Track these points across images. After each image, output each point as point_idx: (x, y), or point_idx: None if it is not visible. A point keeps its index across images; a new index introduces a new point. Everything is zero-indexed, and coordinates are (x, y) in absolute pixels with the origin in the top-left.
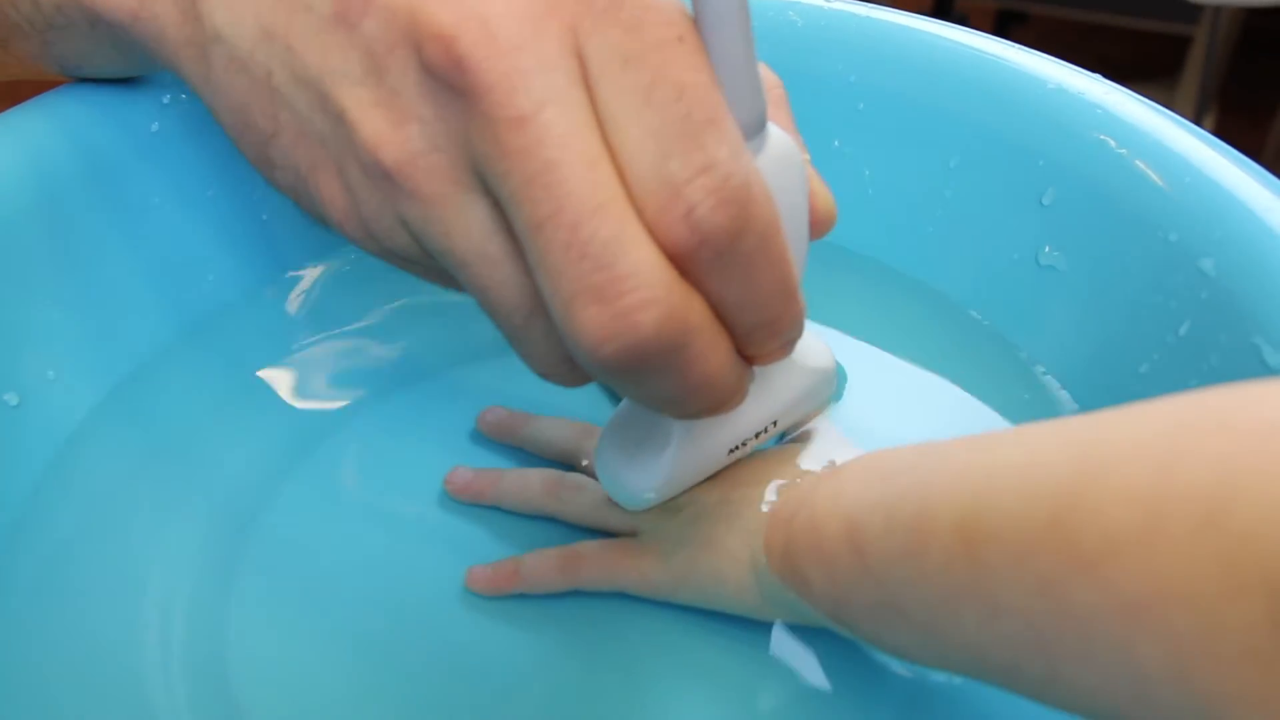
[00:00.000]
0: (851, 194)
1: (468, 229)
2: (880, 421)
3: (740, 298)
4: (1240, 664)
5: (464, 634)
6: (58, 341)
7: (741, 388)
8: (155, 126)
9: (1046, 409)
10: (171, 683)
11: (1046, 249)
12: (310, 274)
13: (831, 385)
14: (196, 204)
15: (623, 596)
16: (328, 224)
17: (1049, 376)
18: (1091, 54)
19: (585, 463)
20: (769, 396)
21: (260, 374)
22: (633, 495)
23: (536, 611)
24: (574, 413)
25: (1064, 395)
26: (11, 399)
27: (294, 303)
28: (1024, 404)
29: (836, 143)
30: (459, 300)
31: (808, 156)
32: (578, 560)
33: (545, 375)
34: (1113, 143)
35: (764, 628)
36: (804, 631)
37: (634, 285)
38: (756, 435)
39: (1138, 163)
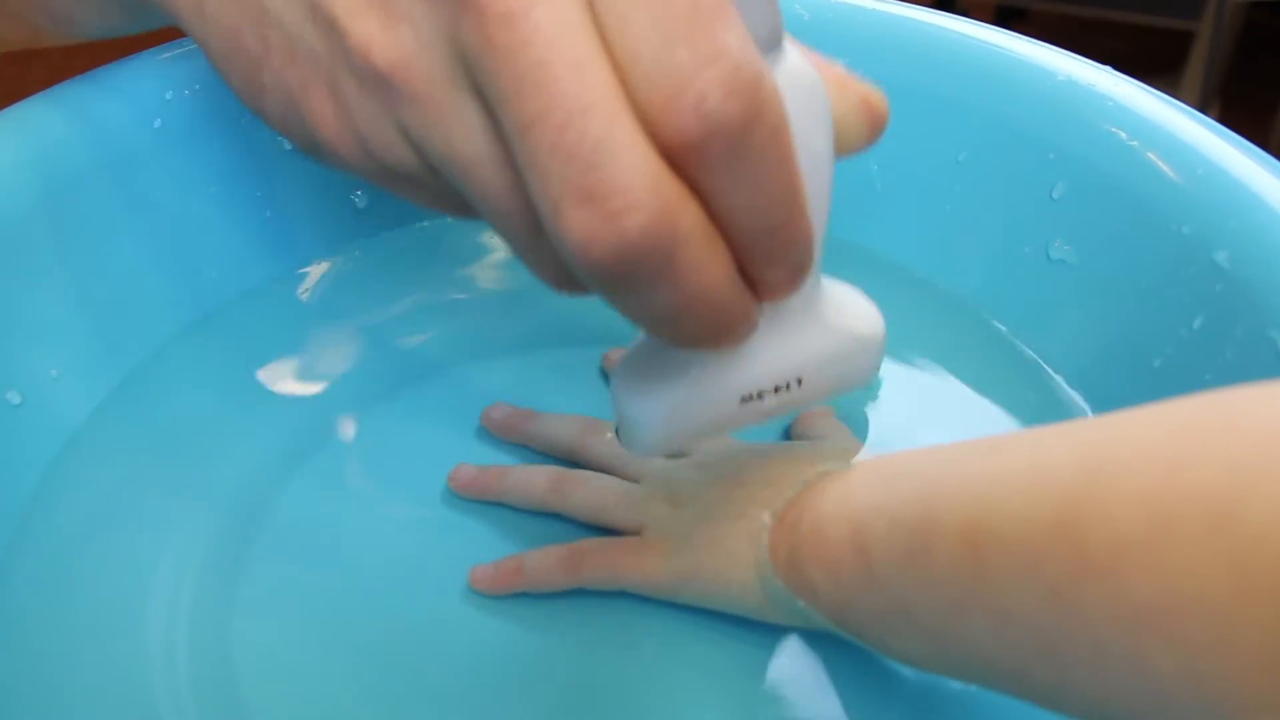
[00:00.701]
0: (859, 189)
1: (468, 131)
2: (890, 419)
3: (744, 200)
4: (1253, 666)
5: (467, 632)
6: (61, 338)
7: (745, 313)
8: (158, 123)
9: (1057, 405)
10: (176, 678)
11: (1057, 243)
12: (314, 270)
13: (874, 359)
14: (200, 200)
15: (626, 596)
16: (320, 150)
17: (1060, 372)
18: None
19: (590, 459)
20: (793, 348)
21: (265, 370)
22: (637, 430)
23: (539, 610)
24: (579, 411)
25: (1076, 390)
26: (14, 397)
27: (298, 299)
28: (1034, 400)
29: None
30: (463, 298)
31: (839, 69)
32: (581, 558)
33: (553, 285)
34: (1124, 135)
35: (769, 630)
36: (810, 635)
37: (622, 187)
38: (776, 390)
39: (1149, 155)
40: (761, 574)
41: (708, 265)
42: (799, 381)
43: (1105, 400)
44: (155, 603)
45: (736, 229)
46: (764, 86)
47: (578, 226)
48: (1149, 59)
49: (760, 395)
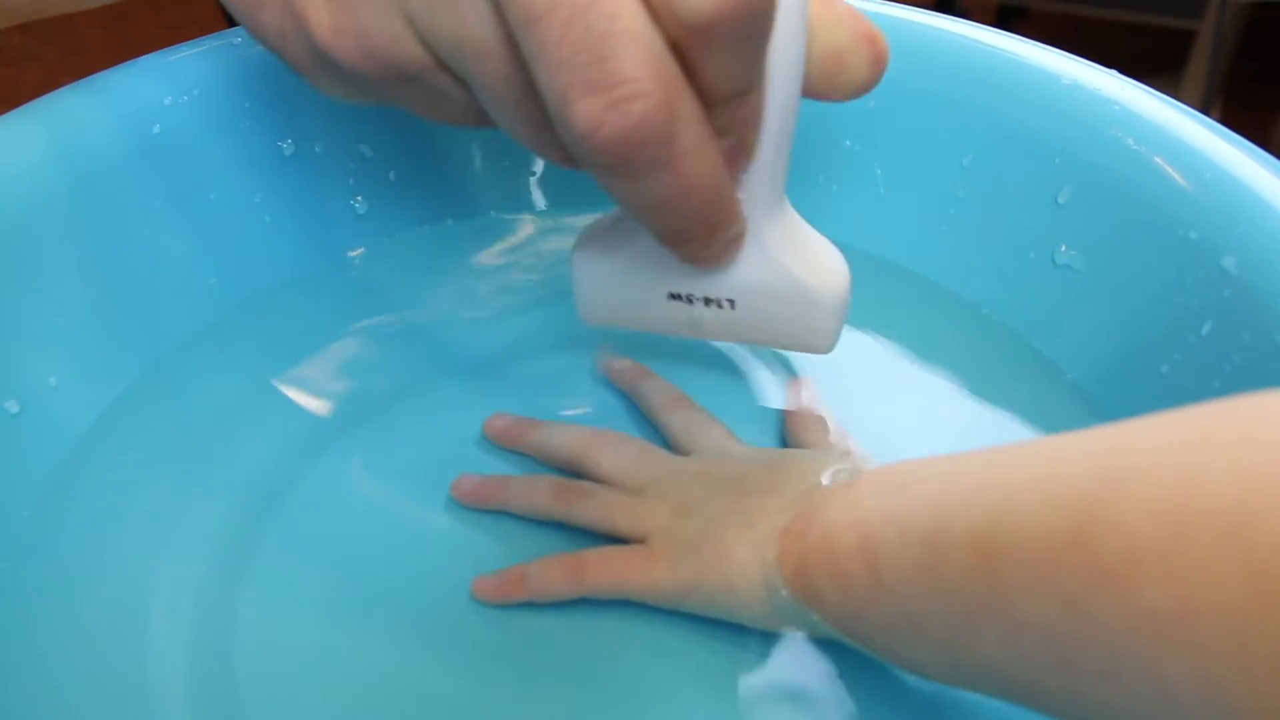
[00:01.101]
0: (863, 193)
1: (478, 17)
2: (896, 423)
3: (725, 75)
4: (1270, 675)
5: (471, 641)
6: (61, 347)
7: (733, 213)
8: (157, 128)
9: (1065, 410)
10: (176, 686)
11: (1063, 248)
12: (313, 279)
13: (821, 319)
14: (199, 207)
15: (629, 605)
16: (320, 59)
17: (1068, 377)
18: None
19: (593, 472)
20: (732, 273)
21: (264, 380)
22: (576, 289)
23: (543, 619)
24: (581, 419)
25: (1083, 396)
26: (12, 406)
27: (297, 307)
28: (1042, 405)
29: (847, 142)
30: (464, 306)
31: (845, 3)
32: (585, 567)
33: (556, 163)
34: (1130, 139)
35: (774, 639)
36: (816, 643)
37: (627, 76)
38: (707, 302)
39: (1156, 159)
40: (768, 583)
41: (703, 152)
42: (731, 304)
43: (1114, 406)
44: (157, 612)
45: (713, 93)
46: None
47: (584, 114)
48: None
49: (690, 300)
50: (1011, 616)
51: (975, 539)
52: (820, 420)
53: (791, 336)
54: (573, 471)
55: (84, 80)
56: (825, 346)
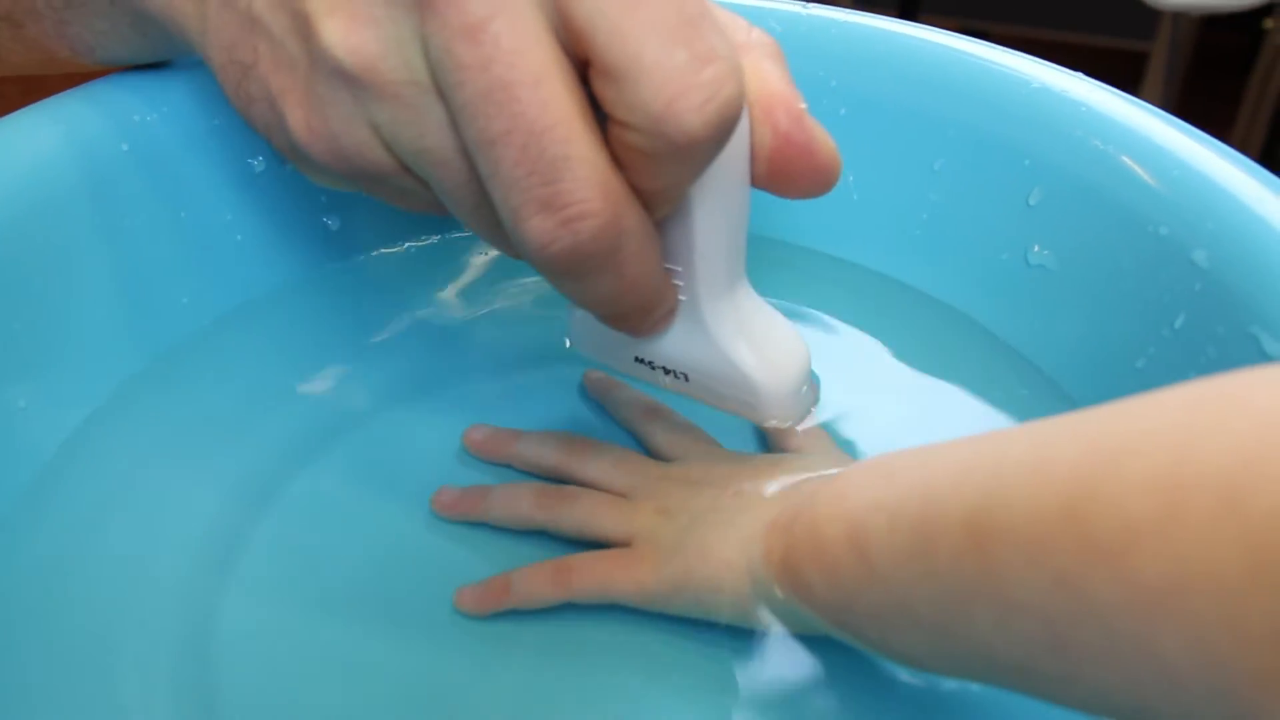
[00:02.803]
0: (836, 200)
1: (438, 128)
2: (873, 425)
3: (677, 178)
4: (1266, 648)
5: (454, 654)
6: (32, 369)
7: (667, 298)
8: (125, 146)
9: (1042, 407)
10: (158, 690)
11: (1035, 248)
12: (286, 295)
13: (765, 403)
14: (170, 225)
15: (616, 609)
16: (298, 153)
17: (1044, 375)
18: None
19: (577, 475)
20: (683, 344)
21: (239, 395)
22: (571, 320)
23: (528, 629)
24: (562, 429)
25: (1060, 393)
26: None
27: (271, 324)
28: (1021, 401)
29: None
30: (440, 320)
31: (804, 106)
32: (570, 572)
33: (498, 249)
34: (1098, 140)
35: (766, 641)
36: (805, 640)
37: (577, 198)
38: (665, 371)
39: (1124, 159)
40: (755, 580)
41: (644, 255)
42: (686, 377)
43: (1091, 401)
44: (138, 618)
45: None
46: (743, 85)
47: (535, 231)
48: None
49: (651, 365)
50: (1005, 597)
51: (966, 520)
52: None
53: (750, 410)
54: (555, 479)
55: (50, 99)
56: (785, 422)
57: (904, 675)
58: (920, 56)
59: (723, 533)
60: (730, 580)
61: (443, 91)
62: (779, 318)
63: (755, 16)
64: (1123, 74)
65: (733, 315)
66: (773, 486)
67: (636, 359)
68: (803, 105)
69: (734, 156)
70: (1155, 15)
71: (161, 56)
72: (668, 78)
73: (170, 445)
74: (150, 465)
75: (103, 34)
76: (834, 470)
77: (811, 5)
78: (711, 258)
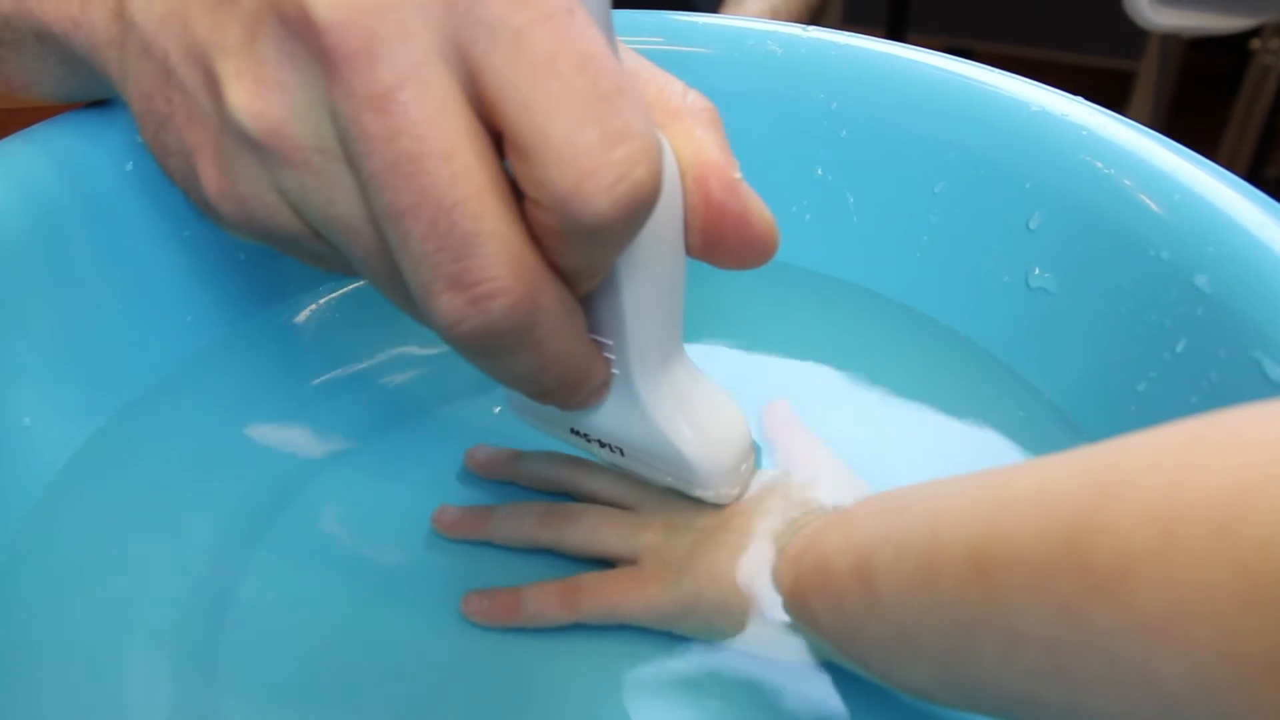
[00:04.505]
0: (836, 221)
1: (348, 195)
2: (875, 447)
3: (593, 258)
4: (1262, 675)
5: (457, 671)
6: (33, 387)
7: (596, 371)
8: (130, 165)
9: (1044, 430)
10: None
11: (1036, 271)
12: (288, 316)
13: (700, 481)
14: (171, 246)
15: (627, 630)
16: (209, 210)
17: (1045, 398)
18: None
19: (582, 491)
20: (618, 420)
21: (244, 415)
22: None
23: (533, 640)
24: (561, 450)
25: (1062, 415)
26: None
27: (273, 345)
28: (1021, 426)
29: (819, 170)
30: (442, 344)
31: (738, 176)
32: (578, 593)
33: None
34: (1099, 164)
35: (772, 664)
36: (815, 667)
37: (488, 275)
38: (601, 444)
39: (1125, 182)
40: (763, 607)
41: (564, 332)
42: (621, 450)
43: (1092, 424)
44: (138, 648)
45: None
46: (661, 164)
47: (445, 309)
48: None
49: (587, 438)
50: (1009, 627)
51: (971, 551)
52: (805, 440)
53: (686, 486)
54: (558, 495)
55: (56, 118)
56: (717, 499)
57: (910, 703)
58: (920, 80)
59: (729, 556)
60: (739, 606)
61: (349, 157)
62: (718, 391)
63: (756, 38)
64: (1109, 93)
65: (669, 389)
66: (779, 507)
67: (572, 430)
68: (737, 174)
69: (666, 227)
70: (1142, 35)
71: (98, 95)
72: (576, 156)
73: (163, 480)
74: (143, 500)
75: (37, 72)
76: (839, 491)
77: (811, 28)
78: (644, 331)
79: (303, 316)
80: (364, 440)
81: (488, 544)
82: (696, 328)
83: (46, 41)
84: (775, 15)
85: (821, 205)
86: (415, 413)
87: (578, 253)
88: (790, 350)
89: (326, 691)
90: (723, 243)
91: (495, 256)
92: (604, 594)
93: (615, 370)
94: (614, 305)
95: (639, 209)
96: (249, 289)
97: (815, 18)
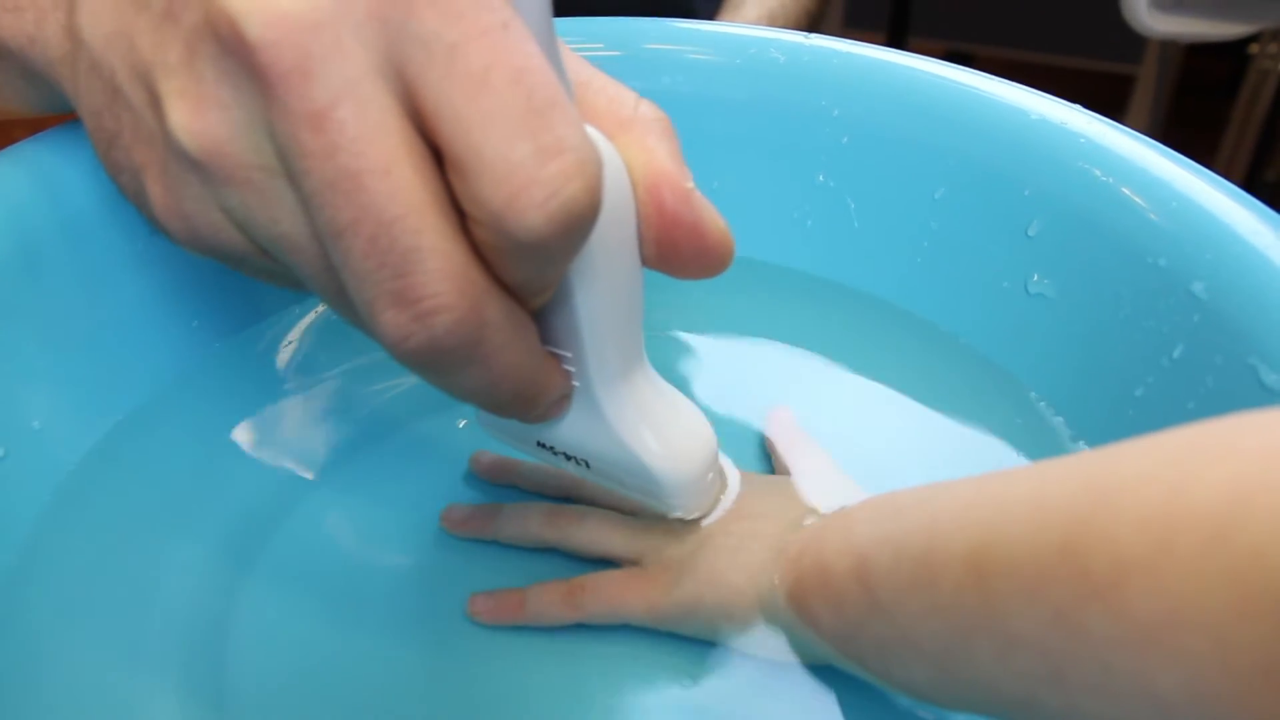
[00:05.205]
0: (837, 227)
1: (291, 213)
2: (875, 452)
3: (533, 273)
4: (1255, 682)
5: (465, 669)
6: (36, 396)
7: (551, 383)
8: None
9: (1041, 435)
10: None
11: (1035, 277)
12: (288, 323)
13: (665, 494)
14: (160, 258)
15: (629, 632)
16: (159, 227)
17: (1043, 403)
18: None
19: (586, 494)
20: (583, 432)
21: (248, 420)
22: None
23: (535, 634)
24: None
25: (1059, 420)
26: None
27: (275, 351)
28: (1018, 430)
29: (821, 177)
30: None
31: (691, 185)
32: (582, 592)
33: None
34: (1098, 171)
35: (771, 665)
36: (813, 671)
37: (431, 291)
38: (568, 457)
39: (1124, 190)
40: (764, 608)
41: (513, 346)
42: (587, 464)
43: (1090, 429)
44: (149, 654)
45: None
46: (600, 178)
47: (390, 326)
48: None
49: (554, 450)
50: (1005, 631)
51: (968, 555)
52: (807, 446)
53: (653, 500)
54: (563, 498)
55: (54, 129)
56: (689, 514)
57: (910, 706)
58: (921, 87)
59: (733, 558)
60: (740, 606)
61: (289, 174)
62: (683, 402)
63: (759, 45)
64: (1108, 98)
65: (630, 401)
66: (782, 511)
67: (538, 444)
68: (690, 184)
69: (619, 238)
70: (1141, 39)
71: (63, 109)
72: (509, 172)
73: (166, 485)
74: (129, 528)
75: (1, 85)
76: (840, 496)
77: (814, 36)
78: (602, 343)
79: (299, 325)
80: (371, 442)
81: (487, 553)
82: (697, 331)
83: (5, 57)
84: (773, 21)
85: (823, 211)
86: (423, 414)
87: (520, 268)
88: (791, 355)
89: (334, 701)
90: (677, 253)
91: (437, 272)
92: (607, 594)
93: (576, 382)
94: (570, 318)
95: (574, 224)
96: (243, 300)
97: (814, 24)
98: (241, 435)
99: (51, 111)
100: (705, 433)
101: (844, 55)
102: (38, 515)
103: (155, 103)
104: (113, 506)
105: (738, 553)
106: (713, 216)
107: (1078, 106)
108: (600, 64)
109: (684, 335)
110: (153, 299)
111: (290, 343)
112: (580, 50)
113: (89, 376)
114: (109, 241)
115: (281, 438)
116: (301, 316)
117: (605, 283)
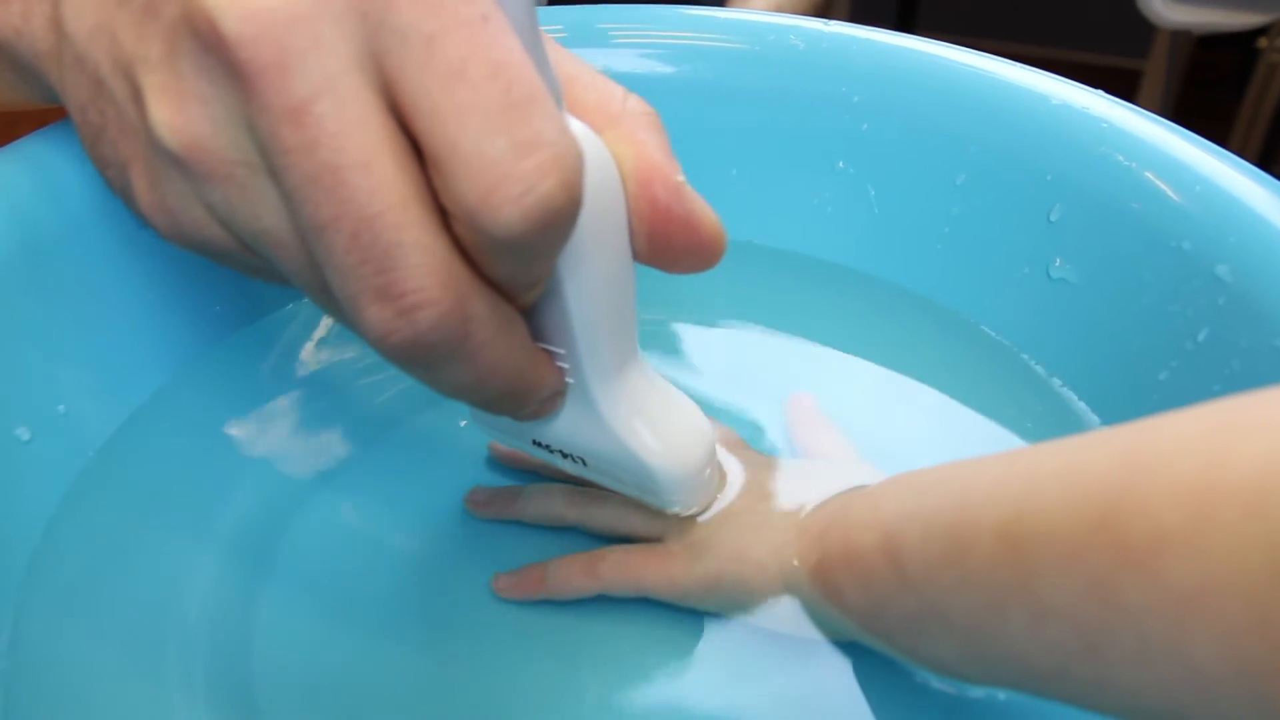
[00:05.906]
0: (857, 214)
1: (274, 209)
2: (896, 439)
3: (516, 269)
4: None
5: (492, 645)
6: (44, 392)
7: (543, 379)
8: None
9: (1064, 419)
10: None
11: (1057, 262)
12: (304, 309)
13: (662, 488)
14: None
15: (648, 604)
16: (144, 220)
17: (1066, 388)
18: None
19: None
20: (579, 429)
21: (268, 405)
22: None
23: (559, 621)
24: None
25: (1082, 405)
26: (23, 434)
27: (290, 336)
28: (1041, 416)
29: (841, 163)
30: None
31: (681, 179)
32: (603, 562)
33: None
34: (1120, 156)
35: (793, 640)
36: (835, 644)
37: (414, 286)
38: (564, 455)
39: (1147, 174)
40: (787, 583)
41: (500, 341)
42: (584, 461)
43: (1114, 413)
44: (172, 639)
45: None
46: (580, 180)
47: (374, 321)
48: None
49: (550, 449)
50: (1039, 602)
51: (1002, 527)
52: (829, 431)
53: (650, 496)
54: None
55: (56, 124)
56: (682, 510)
57: (934, 683)
58: (942, 74)
59: (755, 535)
60: (762, 583)
61: (270, 170)
62: (680, 398)
63: (778, 32)
64: (1116, 91)
65: (626, 397)
66: (802, 490)
67: (534, 442)
68: (680, 177)
69: (609, 232)
70: (1149, 33)
71: (54, 101)
72: (485, 167)
73: (159, 511)
74: (182, 478)
75: None
76: (861, 480)
77: (833, 23)
78: (595, 338)
79: (315, 311)
80: (392, 426)
81: (501, 545)
82: (716, 318)
83: None
84: (780, 11)
85: (843, 198)
86: (396, 424)
87: (501, 264)
88: (810, 341)
89: (359, 658)
90: (670, 247)
91: (420, 267)
92: (628, 565)
93: (570, 379)
94: (561, 314)
95: (552, 221)
96: (258, 288)
97: (821, 14)
98: (258, 420)
99: (49, 103)
100: (702, 428)
101: (863, 42)
102: (44, 520)
103: (137, 98)
104: (122, 503)
105: (760, 529)
106: (704, 210)
107: (1099, 91)
108: (616, 51)
109: (701, 323)
110: (168, 286)
111: (301, 332)
112: (600, 35)
113: (91, 374)
114: (116, 234)
115: (300, 424)
116: (307, 307)
117: (597, 278)
